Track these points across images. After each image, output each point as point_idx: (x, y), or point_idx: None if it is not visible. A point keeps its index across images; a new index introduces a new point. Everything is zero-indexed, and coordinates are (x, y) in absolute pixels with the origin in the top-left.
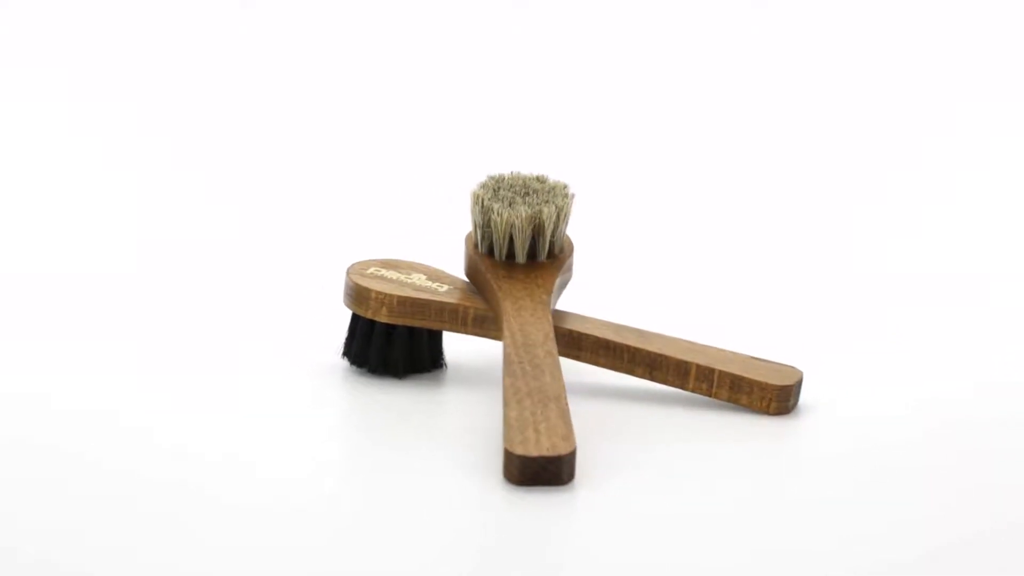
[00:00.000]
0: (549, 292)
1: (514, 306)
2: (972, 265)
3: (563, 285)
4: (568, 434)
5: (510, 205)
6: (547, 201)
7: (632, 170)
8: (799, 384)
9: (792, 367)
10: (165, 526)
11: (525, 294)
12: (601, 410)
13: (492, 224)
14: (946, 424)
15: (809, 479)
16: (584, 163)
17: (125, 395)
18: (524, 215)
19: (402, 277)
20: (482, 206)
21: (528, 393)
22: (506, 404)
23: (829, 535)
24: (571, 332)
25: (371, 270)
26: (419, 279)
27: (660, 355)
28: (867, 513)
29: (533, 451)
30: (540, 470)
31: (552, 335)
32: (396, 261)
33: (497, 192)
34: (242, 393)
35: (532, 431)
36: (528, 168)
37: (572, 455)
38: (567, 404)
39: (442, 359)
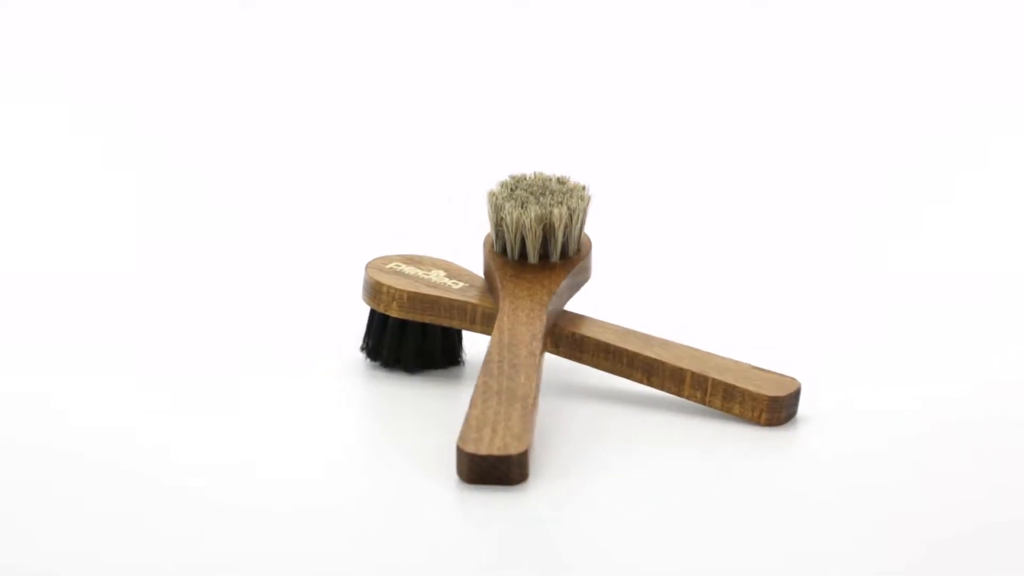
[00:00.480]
0: (552, 293)
1: (511, 306)
2: (972, 265)
3: (576, 286)
4: (523, 435)
5: (522, 205)
6: (560, 202)
7: (652, 174)
8: (795, 395)
9: (791, 378)
10: (164, 526)
11: (527, 294)
12: (595, 413)
13: (503, 224)
14: (946, 424)
15: (807, 479)
16: (614, 166)
17: (133, 395)
18: (534, 216)
19: (420, 273)
20: (495, 206)
21: (497, 392)
22: (472, 402)
23: (828, 535)
24: (573, 334)
25: (391, 265)
26: (437, 276)
27: (657, 361)
28: (866, 513)
29: (483, 450)
30: (490, 468)
31: (540, 336)
32: (419, 257)
33: (513, 192)
34: (252, 389)
35: (489, 430)
36: (557, 170)
37: (523, 456)
38: (533, 405)
39: (460, 356)
